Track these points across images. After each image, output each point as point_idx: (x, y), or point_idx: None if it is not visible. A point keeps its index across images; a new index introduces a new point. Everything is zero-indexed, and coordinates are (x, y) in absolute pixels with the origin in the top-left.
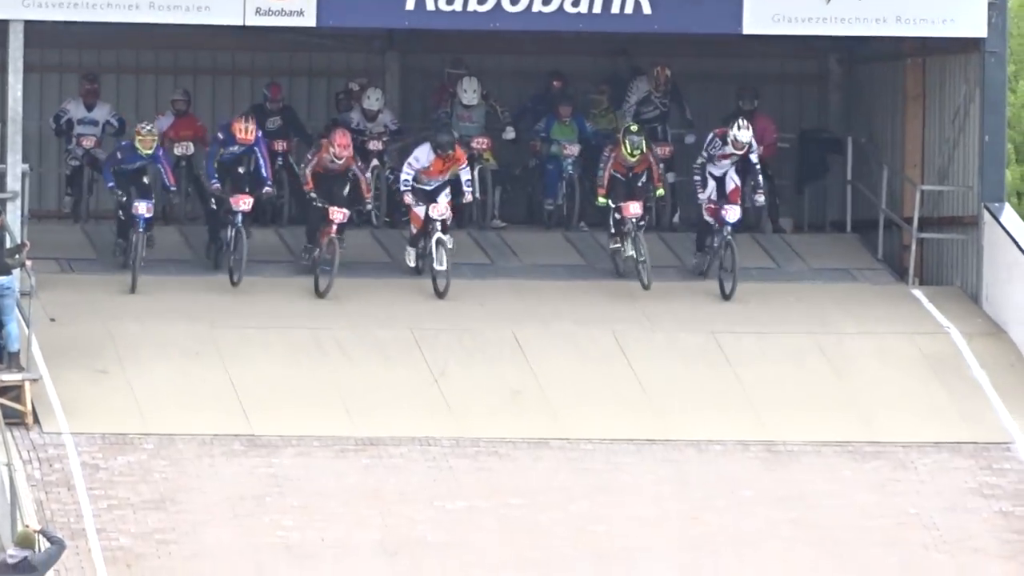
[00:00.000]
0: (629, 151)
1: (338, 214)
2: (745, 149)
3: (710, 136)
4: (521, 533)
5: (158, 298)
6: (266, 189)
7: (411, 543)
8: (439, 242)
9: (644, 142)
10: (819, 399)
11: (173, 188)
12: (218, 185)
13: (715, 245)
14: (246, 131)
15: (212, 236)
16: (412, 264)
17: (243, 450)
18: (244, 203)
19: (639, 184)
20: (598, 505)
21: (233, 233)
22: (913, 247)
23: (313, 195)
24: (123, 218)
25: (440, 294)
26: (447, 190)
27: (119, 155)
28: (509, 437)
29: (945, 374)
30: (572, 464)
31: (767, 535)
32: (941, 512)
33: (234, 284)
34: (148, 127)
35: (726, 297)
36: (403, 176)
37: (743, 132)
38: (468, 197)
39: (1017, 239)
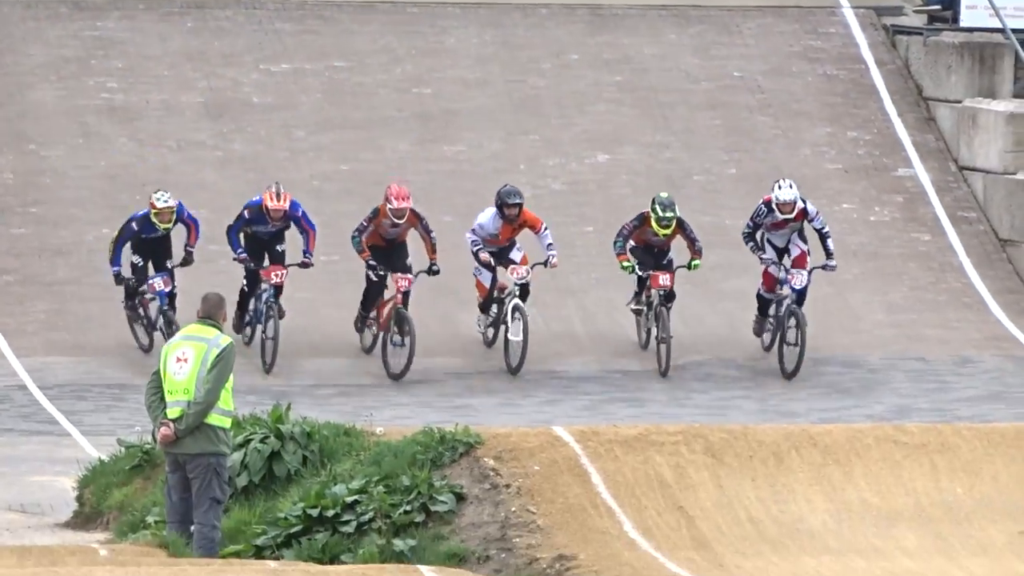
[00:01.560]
0: (657, 224)
1: (403, 280)
2: (794, 211)
3: (758, 205)
4: (345, 95)
5: None
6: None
7: (235, 105)
8: (516, 309)
9: (675, 213)
10: None
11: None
12: (245, 254)
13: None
14: (279, 198)
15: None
16: (481, 330)
17: (68, 13)
18: (276, 275)
19: (666, 260)
20: (423, 68)
21: (264, 310)
22: None
23: (372, 263)
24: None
25: (512, 369)
26: (522, 251)
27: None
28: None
29: None
30: (398, 27)
31: (593, 97)
32: (765, 75)
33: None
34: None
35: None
36: (470, 240)
37: (785, 192)
38: (554, 262)
39: None
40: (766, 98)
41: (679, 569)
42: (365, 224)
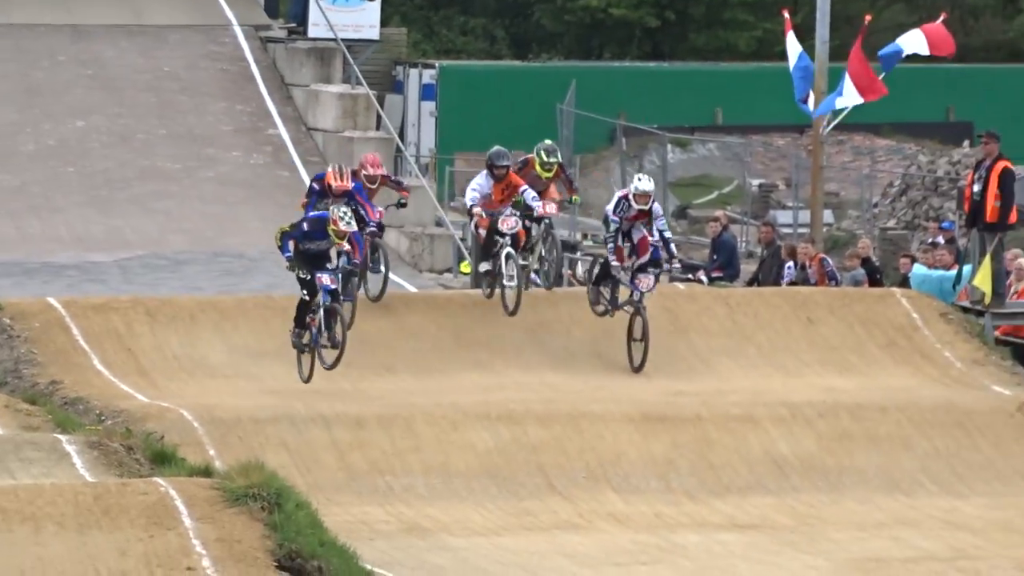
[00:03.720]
0: (541, 168)
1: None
2: (650, 203)
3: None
4: None
5: None
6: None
7: None
8: (509, 256)
9: (557, 159)
10: None
11: None
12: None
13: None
14: (342, 177)
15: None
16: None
17: None
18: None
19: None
20: None
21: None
22: None
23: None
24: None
25: (509, 312)
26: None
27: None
28: None
29: None
30: None
31: (72, 84)
32: (184, 69)
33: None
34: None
35: None
36: (469, 198)
37: (644, 183)
38: (540, 211)
39: None
40: (184, 84)
41: (128, 388)
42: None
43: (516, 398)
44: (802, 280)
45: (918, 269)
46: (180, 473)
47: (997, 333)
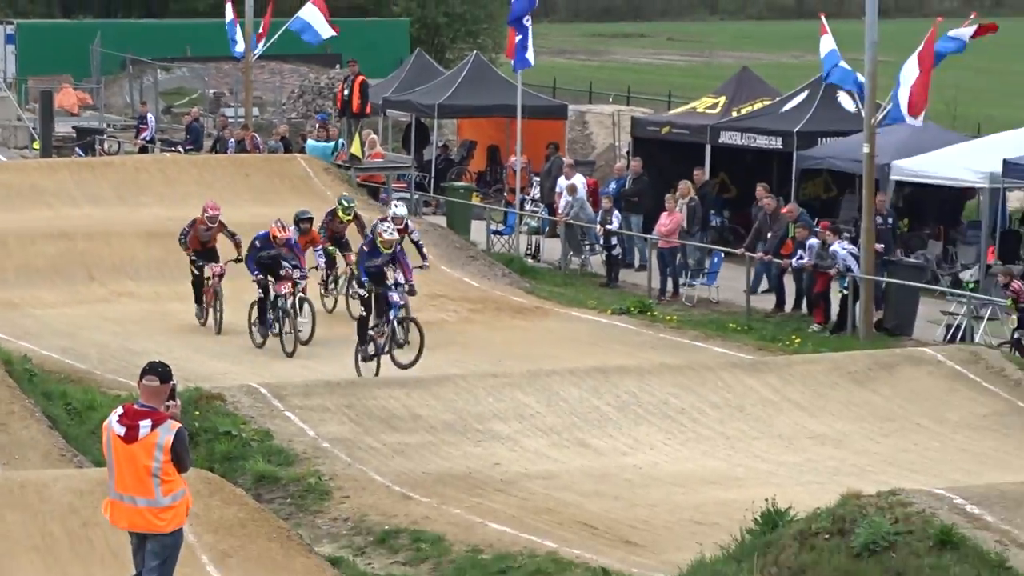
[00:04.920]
0: (343, 214)
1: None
2: (403, 223)
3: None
4: None
5: None
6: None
7: None
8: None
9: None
10: None
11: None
12: (260, 276)
13: None
14: (282, 229)
15: (260, 318)
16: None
17: None
18: (285, 287)
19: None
20: None
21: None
22: None
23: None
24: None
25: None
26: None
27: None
28: None
29: None
30: None
31: None
32: None
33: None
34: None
35: None
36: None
37: (400, 208)
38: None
39: None
40: None
41: None
42: (187, 229)
43: (69, 223)
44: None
45: (311, 143)
46: None
47: (359, 179)
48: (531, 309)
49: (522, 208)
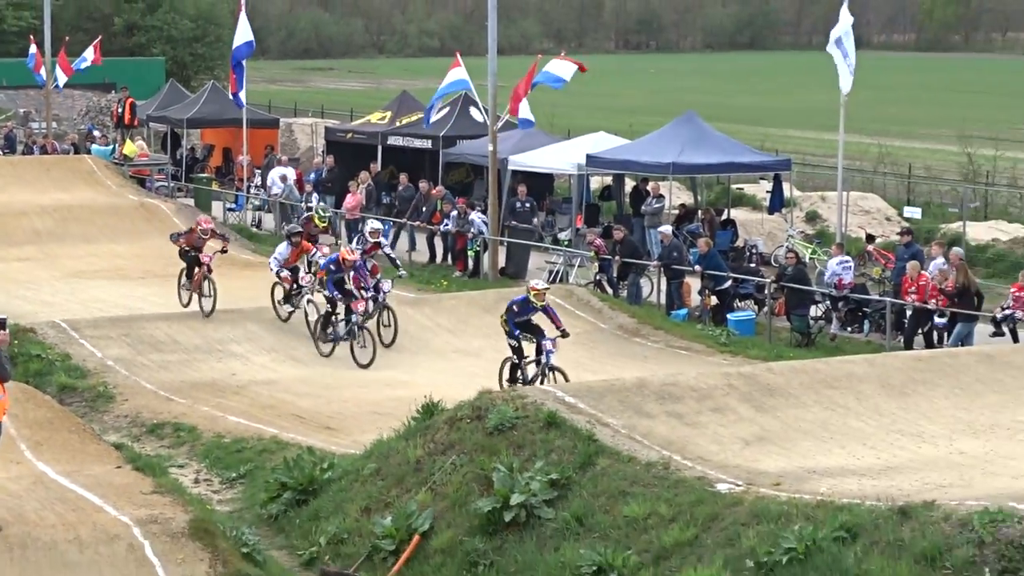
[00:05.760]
0: (320, 221)
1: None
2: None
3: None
4: None
5: None
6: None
7: None
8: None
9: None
10: None
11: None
12: (339, 295)
13: None
14: (352, 252)
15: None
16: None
17: None
18: (361, 306)
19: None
20: None
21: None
22: None
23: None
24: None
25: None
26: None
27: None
28: None
29: None
30: None
31: None
32: None
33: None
34: None
35: None
36: (275, 262)
37: (374, 223)
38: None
39: None
40: None
41: None
42: (180, 235)
43: None
44: None
45: (95, 147)
46: None
47: (130, 173)
48: (255, 264)
49: (248, 192)
